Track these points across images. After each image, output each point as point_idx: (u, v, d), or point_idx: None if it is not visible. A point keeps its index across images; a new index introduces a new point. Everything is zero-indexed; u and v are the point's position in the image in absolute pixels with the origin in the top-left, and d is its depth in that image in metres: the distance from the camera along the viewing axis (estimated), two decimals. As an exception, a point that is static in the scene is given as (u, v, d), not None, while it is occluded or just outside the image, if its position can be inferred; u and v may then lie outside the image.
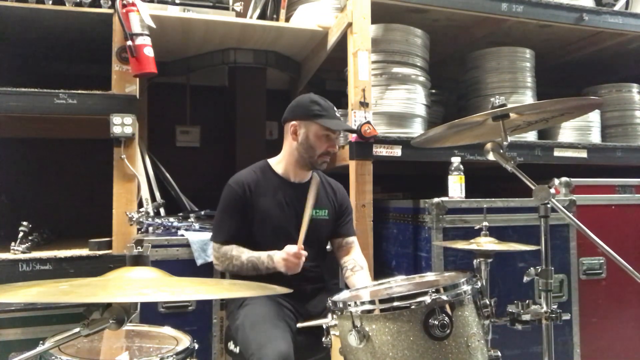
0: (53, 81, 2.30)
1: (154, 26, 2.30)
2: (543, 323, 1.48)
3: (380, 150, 2.48)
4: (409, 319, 1.27)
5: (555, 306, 1.49)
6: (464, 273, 1.51)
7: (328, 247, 2.12)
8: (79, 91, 2.28)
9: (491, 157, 1.64)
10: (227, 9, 2.66)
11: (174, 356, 1.26)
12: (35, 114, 2.27)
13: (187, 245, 2.28)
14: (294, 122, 1.96)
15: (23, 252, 2.18)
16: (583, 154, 2.85)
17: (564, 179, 2.57)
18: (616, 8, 3.12)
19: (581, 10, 2.87)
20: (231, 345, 1.83)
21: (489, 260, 1.69)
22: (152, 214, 2.54)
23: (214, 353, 2.28)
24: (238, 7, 2.76)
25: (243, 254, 1.86)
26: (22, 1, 2.27)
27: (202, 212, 2.77)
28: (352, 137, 2.46)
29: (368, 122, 2.42)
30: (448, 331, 1.26)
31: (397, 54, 2.72)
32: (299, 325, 1.66)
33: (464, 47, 3.22)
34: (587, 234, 1.45)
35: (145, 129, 3.12)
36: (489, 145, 1.65)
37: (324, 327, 1.43)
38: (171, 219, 2.56)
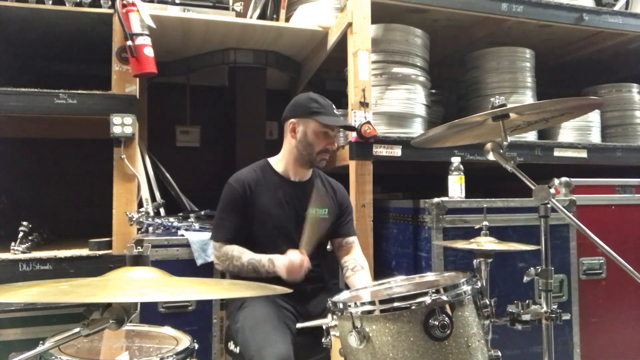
0: (53, 81, 2.30)
1: (154, 26, 2.30)
2: (543, 323, 1.48)
3: (380, 150, 2.48)
4: (409, 319, 1.27)
5: (555, 306, 1.49)
6: (464, 273, 1.51)
7: (328, 247, 2.12)
8: (79, 91, 2.27)
9: (491, 157, 1.64)
10: (227, 9, 2.66)
11: (174, 356, 1.25)
12: (35, 114, 2.27)
13: (187, 245, 2.28)
14: (292, 120, 1.97)
15: (23, 252, 2.18)
16: (583, 154, 2.85)
17: (564, 179, 2.57)
18: (616, 8, 3.12)
19: (581, 10, 2.87)
20: (231, 345, 1.83)
21: (489, 260, 1.69)
22: (152, 214, 2.54)
23: (214, 353, 2.28)
24: (238, 7, 2.76)
25: (244, 255, 1.86)
26: (22, 1, 2.27)
27: (202, 212, 2.77)
28: (352, 137, 2.46)
29: (368, 122, 2.42)
30: (448, 331, 1.26)
31: (397, 54, 2.72)
32: (299, 325, 1.66)
33: (464, 47, 3.22)
34: (587, 234, 1.45)
35: (145, 129, 3.12)
36: (489, 145, 1.65)
37: (324, 327, 1.43)
38: (171, 219, 2.56)
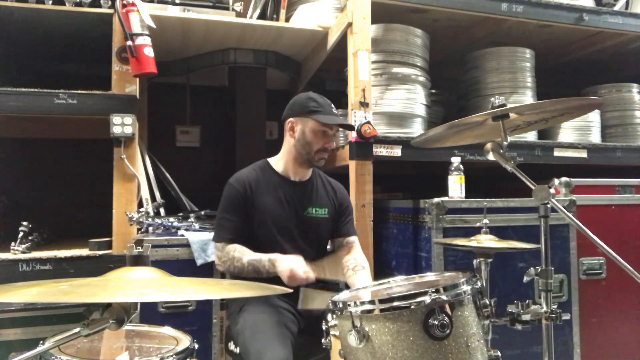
0: (53, 81, 2.30)
1: (154, 26, 2.30)
2: (543, 323, 1.48)
3: (380, 150, 2.48)
4: (409, 319, 1.27)
5: (555, 306, 1.49)
6: (464, 273, 1.51)
7: (328, 246, 2.13)
8: (79, 91, 2.28)
9: (491, 157, 1.64)
10: (227, 9, 2.66)
11: (174, 356, 1.26)
12: (35, 114, 2.27)
13: (187, 245, 2.28)
14: (291, 119, 1.97)
15: (23, 252, 2.18)
16: (583, 154, 2.85)
17: (564, 179, 2.57)
18: (616, 8, 3.12)
19: (581, 10, 2.87)
20: (231, 346, 1.83)
21: (489, 260, 1.69)
22: (152, 214, 2.54)
23: (214, 353, 2.28)
24: (238, 7, 2.76)
25: (244, 256, 1.85)
26: (22, 1, 2.27)
27: (202, 212, 2.77)
28: (352, 137, 2.46)
29: (368, 122, 2.42)
30: (448, 331, 1.26)
31: (397, 54, 2.72)
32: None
33: (464, 47, 3.22)
34: (587, 234, 1.45)
35: (145, 129, 3.12)
36: (489, 145, 1.65)
37: (324, 328, 1.43)
38: (171, 219, 2.56)
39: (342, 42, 2.62)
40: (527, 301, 1.52)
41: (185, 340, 1.37)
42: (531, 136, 2.91)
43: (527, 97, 2.98)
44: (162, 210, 2.75)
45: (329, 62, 2.89)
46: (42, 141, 3.09)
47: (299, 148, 1.95)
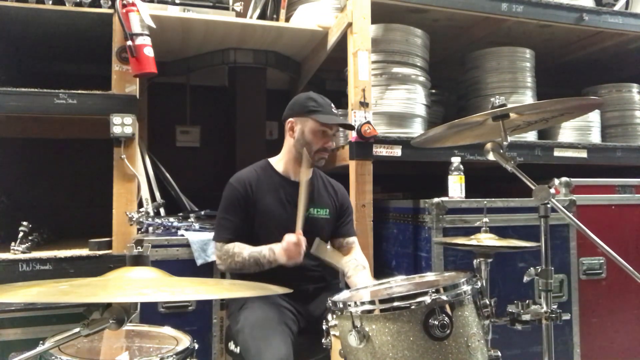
0: (53, 81, 2.30)
1: (154, 26, 2.30)
2: (543, 323, 1.48)
3: (380, 150, 2.48)
4: (409, 319, 1.27)
5: (555, 306, 1.49)
6: (464, 273, 1.51)
7: (328, 246, 2.12)
8: (79, 91, 2.28)
9: (491, 157, 1.64)
10: (227, 9, 2.66)
11: (174, 356, 1.26)
12: (35, 114, 2.27)
13: (187, 245, 2.28)
14: (291, 119, 1.97)
15: (23, 252, 2.18)
16: (583, 154, 2.85)
17: (564, 179, 2.57)
18: (616, 8, 3.12)
19: (581, 10, 2.87)
20: (232, 345, 1.83)
21: (489, 260, 1.69)
22: (152, 214, 2.54)
23: (214, 353, 2.28)
24: (238, 7, 2.76)
25: (244, 251, 1.86)
26: (22, 1, 2.27)
27: (202, 212, 2.77)
28: (352, 137, 2.46)
29: (368, 122, 2.42)
30: (448, 331, 1.26)
31: (397, 54, 2.72)
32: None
33: (464, 47, 3.22)
34: (587, 234, 1.45)
35: (145, 129, 3.12)
36: (489, 145, 1.65)
37: (324, 328, 1.43)
38: (171, 219, 2.56)
39: (342, 42, 2.62)
40: (527, 301, 1.52)
41: (185, 340, 1.37)
42: (531, 136, 2.91)
43: (527, 97, 2.98)
44: (162, 210, 2.75)
45: (329, 62, 2.89)
46: (42, 141, 3.08)
47: (298, 148, 1.95)
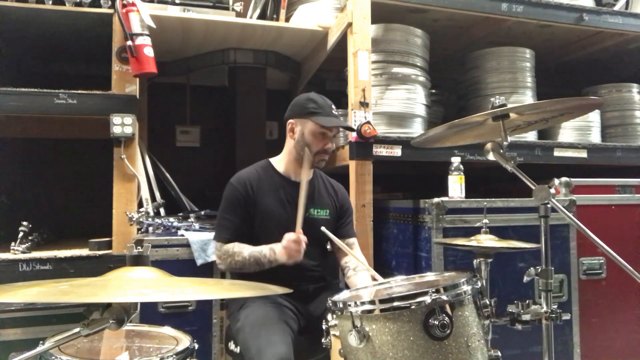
0: (53, 81, 2.30)
1: (154, 26, 2.30)
2: (543, 323, 1.48)
3: (380, 150, 2.48)
4: (409, 319, 1.27)
5: (555, 306, 1.49)
6: (464, 273, 1.51)
7: (328, 247, 2.12)
8: (79, 91, 2.28)
9: (491, 157, 1.64)
10: (227, 9, 2.66)
11: (174, 356, 1.25)
12: (35, 114, 2.27)
13: (187, 245, 2.28)
14: (291, 121, 1.97)
15: (23, 252, 2.18)
16: (583, 154, 2.85)
17: (564, 179, 2.57)
18: (616, 8, 3.12)
19: (581, 10, 2.87)
20: (232, 345, 1.83)
21: (489, 260, 1.69)
22: (152, 214, 2.54)
23: (214, 353, 2.28)
24: (238, 7, 2.76)
25: (244, 250, 1.86)
26: (22, 1, 2.27)
27: (202, 212, 2.77)
28: (352, 137, 2.46)
29: (368, 122, 2.42)
30: (448, 331, 1.26)
31: (397, 54, 2.72)
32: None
33: (464, 47, 3.22)
34: (587, 234, 1.45)
35: (145, 129, 3.12)
36: (489, 145, 1.65)
37: (324, 327, 1.43)
38: (171, 219, 2.56)
39: (342, 42, 2.62)
40: (527, 301, 1.52)
41: (185, 340, 1.37)
42: (531, 136, 2.91)
43: (527, 97, 2.98)
44: (162, 210, 2.75)
45: (329, 62, 2.89)
46: (42, 141, 3.08)
47: (298, 149, 1.95)
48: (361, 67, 2.49)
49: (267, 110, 3.20)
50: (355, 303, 1.33)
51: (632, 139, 3.24)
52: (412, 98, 2.72)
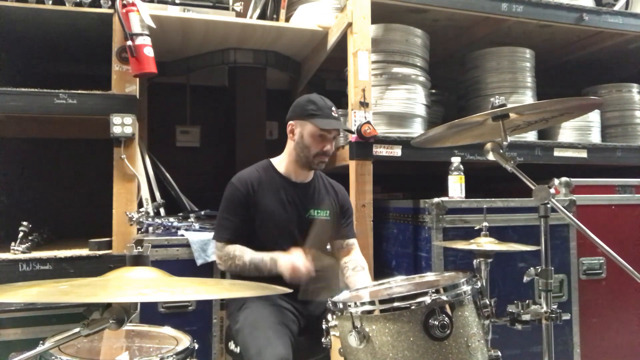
0: (53, 81, 2.30)
1: (154, 26, 2.30)
2: (543, 323, 1.48)
3: (380, 150, 2.48)
4: (409, 319, 1.27)
5: (555, 306, 1.49)
6: (464, 273, 1.51)
7: (328, 247, 2.12)
8: (79, 91, 2.28)
9: (491, 157, 1.64)
10: (227, 9, 2.66)
11: (174, 356, 1.26)
12: (35, 114, 2.27)
13: (187, 245, 2.28)
14: (291, 122, 1.97)
15: (23, 252, 2.18)
16: (583, 154, 2.85)
17: (564, 179, 2.57)
18: (616, 8, 3.12)
19: (581, 10, 2.87)
20: (232, 345, 1.83)
21: (489, 260, 1.69)
22: (152, 214, 2.54)
23: (214, 353, 2.28)
24: (238, 7, 2.76)
25: (245, 255, 1.86)
26: (22, 1, 2.27)
27: (202, 212, 2.77)
28: (352, 137, 2.46)
29: (368, 122, 2.42)
30: (448, 331, 1.26)
31: (397, 54, 2.72)
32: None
33: (464, 47, 3.22)
34: (587, 234, 1.45)
35: (145, 129, 3.12)
36: (489, 145, 1.65)
37: (324, 327, 1.43)
38: (171, 219, 2.56)
39: (342, 42, 2.62)
40: (527, 301, 1.53)
41: (185, 340, 1.37)
42: (531, 136, 2.91)
43: (527, 97, 2.98)
44: (162, 210, 2.75)
45: (329, 62, 2.89)
46: (42, 141, 3.09)
47: (298, 151, 1.95)
48: (361, 67, 2.49)
49: (267, 110, 3.20)
50: (355, 303, 1.33)
51: (632, 139, 3.24)
52: (412, 98, 2.72)
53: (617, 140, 3.22)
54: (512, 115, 1.62)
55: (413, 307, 1.27)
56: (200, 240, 2.28)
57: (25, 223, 2.28)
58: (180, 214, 2.77)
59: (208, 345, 2.26)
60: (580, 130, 3.08)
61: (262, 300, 1.82)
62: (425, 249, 2.31)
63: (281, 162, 2.03)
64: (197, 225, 2.50)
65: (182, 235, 2.32)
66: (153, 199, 2.73)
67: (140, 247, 1.27)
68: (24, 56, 3.05)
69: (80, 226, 2.94)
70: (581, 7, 2.91)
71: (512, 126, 1.72)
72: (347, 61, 2.59)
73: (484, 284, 1.63)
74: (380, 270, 2.53)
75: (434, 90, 3.16)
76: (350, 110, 2.49)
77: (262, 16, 2.88)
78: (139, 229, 2.40)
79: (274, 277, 1.77)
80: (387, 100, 2.69)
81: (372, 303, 1.32)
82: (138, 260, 1.11)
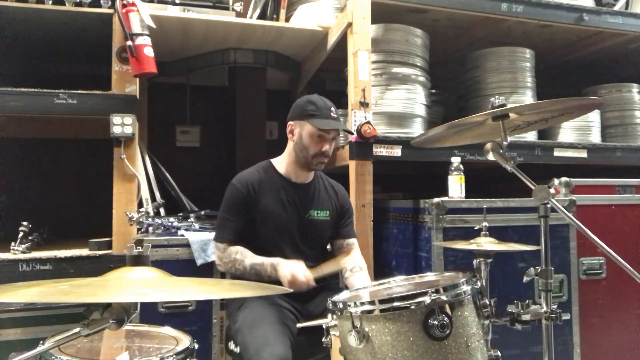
0: (53, 81, 2.30)
1: (154, 26, 2.30)
2: (543, 323, 1.48)
3: (380, 150, 2.48)
4: (409, 319, 1.27)
5: (555, 306, 1.49)
6: (464, 273, 1.51)
7: (328, 247, 2.13)
8: (79, 91, 2.28)
9: (491, 157, 1.64)
10: (227, 9, 2.66)
11: (174, 356, 1.26)
12: (35, 114, 2.27)
13: (187, 245, 2.28)
14: (290, 122, 1.98)
15: (23, 252, 2.18)
16: (583, 154, 2.85)
17: (564, 179, 2.57)
18: (616, 8, 3.12)
19: (581, 10, 2.87)
20: (231, 345, 1.83)
21: (489, 260, 1.69)
22: (152, 214, 2.54)
23: (214, 353, 2.28)
24: (238, 7, 2.76)
25: (246, 259, 1.85)
26: (22, 1, 2.27)
27: (202, 212, 2.77)
28: (352, 137, 2.46)
29: (368, 122, 2.42)
30: (448, 331, 1.26)
31: (397, 54, 2.72)
32: (299, 325, 1.65)
33: (464, 47, 3.22)
34: (587, 234, 1.45)
35: (145, 129, 3.12)
36: (489, 145, 1.65)
37: (324, 327, 1.43)
38: (171, 219, 2.56)
39: (342, 42, 2.62)
40: (527, 301, 1.52)
41: (185, 340, 1.37)
42: (531, 136, 2.91)
43: (527, 97, 2.98)
44: (162, 210, 2.75)
45: (329, 62, 2.89)
46: (42, 141, 3.08)
47: (297, 151, 1.95)
48: (361, 67, 2.49)
49: (267, 110, 3.20)
50: (355, 303, 1.33)
51: (632, 139, 3.24)
52: (412, 98, 2.72)
53: (617, 140, 3.22)
54: (512, 115, 1.63)
55: (413, 307, 1.27)
56: (200, 240, 2.28)
57: (25, 223, 2.28)
58: (180, 214, 2.77)
59: (208, 345, 2.26)
60: (580, 130, 3.08)
61: (262, 299, 1.82)
62: (425, 249, 2.31)
63: (281, 163, 2.03)
64: (197, 225, 2.50)
65: (182, 235, 2.32)
66: (153, 199, 2.73)
67: (140, 247, 1.27)
68: (24, 56, 3.04)
69: (80, 226, 2.94)
70: (581, 7, 2.91)
71: (512, 126, 1.72)
72: (347, 61, 2.59)
73: (484, 284, 1.63)
74: (380, 270, 2.53)
75: (434, 90, 3.16)
76: (350, 110, 2.49)
77: (262, 16, 2.88)
78: (139, 229, 2.40)
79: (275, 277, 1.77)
80: (387, 100, 2.69)
81: (372, 303, 1.32)
82: (138, 260, 1.12)
